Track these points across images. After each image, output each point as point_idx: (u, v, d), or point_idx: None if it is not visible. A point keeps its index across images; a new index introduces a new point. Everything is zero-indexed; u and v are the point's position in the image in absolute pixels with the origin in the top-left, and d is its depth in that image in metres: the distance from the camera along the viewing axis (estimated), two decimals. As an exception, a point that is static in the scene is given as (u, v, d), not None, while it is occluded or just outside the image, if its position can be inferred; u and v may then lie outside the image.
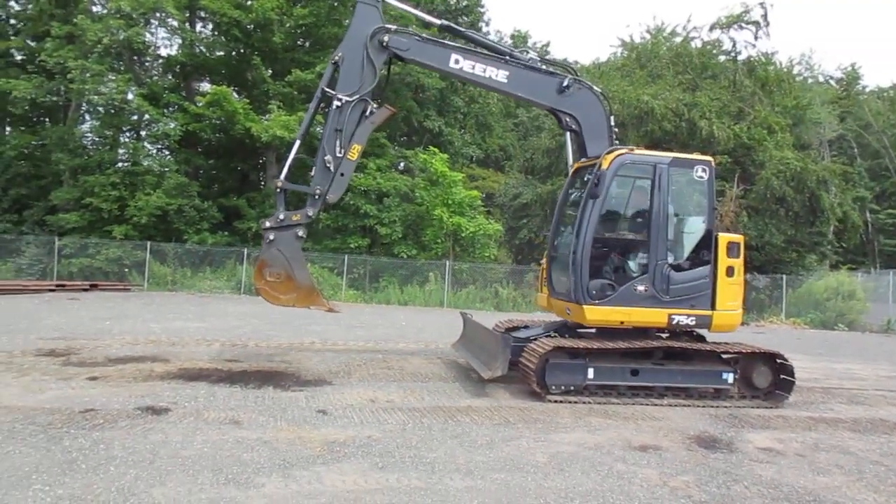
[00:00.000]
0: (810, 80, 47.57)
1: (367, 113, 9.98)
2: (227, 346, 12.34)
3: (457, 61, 10.20)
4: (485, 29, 45.26)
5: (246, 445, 6.24)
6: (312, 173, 9.91)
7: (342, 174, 9.81)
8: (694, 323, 9.50)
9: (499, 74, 10.24)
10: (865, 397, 10.75)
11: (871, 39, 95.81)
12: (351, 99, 9.78)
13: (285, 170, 10.02)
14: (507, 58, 10.39)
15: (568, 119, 10.51)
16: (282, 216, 9.69)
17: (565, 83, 10.34)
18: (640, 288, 9.33)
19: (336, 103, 9.78)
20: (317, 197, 9.74)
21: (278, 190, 9.83)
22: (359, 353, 12.34)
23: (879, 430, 8.49)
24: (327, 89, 9.89)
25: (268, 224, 9.68)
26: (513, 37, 54.15)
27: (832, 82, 56.93)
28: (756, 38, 32.54)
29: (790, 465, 6.69)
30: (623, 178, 9.77)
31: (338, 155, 9.72)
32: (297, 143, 10.12)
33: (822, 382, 11.90)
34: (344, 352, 12.34)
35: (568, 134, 11.06)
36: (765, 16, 31.91)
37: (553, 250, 10.71)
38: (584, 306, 9.22)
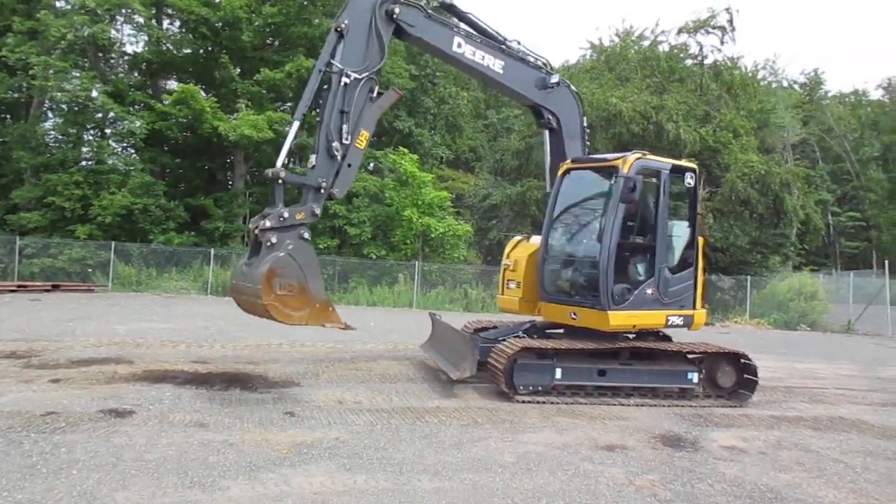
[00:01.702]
0: (774, 85, 48.40)
1: (374, 95, 8.88)
2: (193, 347, 12.20)
3: (459, 45, 9.72)
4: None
5: (212, 448, 6.17)
6: (313, 163, 8.48)
7: (349, 165, 8.60)
8: (682, 322, 9.71)
9: (495, 64, 9.94)
10: (826, 396, 10.98)
11: (834, 42, 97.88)
12: (360, 76, 8.59)
13: (283, 157, 8.44)
14: (504, 47, 10.14)
15: (550, 117, 10.48)
16: (285, 214, 8.05)
17: (555, 80, 10.30)
18: (649, 291, 9.42)
19: (344, 80, 8.50)
20: (321, 191, 8.36)
21: (279, 181, 8.14)
22: (327, 354, 12.29)
23: (839, 428, 8.68)
24: (334, 62, 8.51)
25: (268, 224, 7.91)
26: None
27: (796, 87, 58.06)
28: (722, 42, 33.14)
29: (753, 462, 6.81)
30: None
31: (344, 142, 8.46)
32: (296, 125, 8.49)
33: (784, 382, 12.12)
34: (312, 353, 12.27)
35: (547, 133, 10.96)
36: (731, 21, 32.49)
37: (547, 252, 10.19)
38: (609, 312, 9.10)
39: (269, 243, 7.90)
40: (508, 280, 10.72)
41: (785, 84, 53.75)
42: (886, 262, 30.56)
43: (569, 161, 10.40)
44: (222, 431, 6.75)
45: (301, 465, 5.88)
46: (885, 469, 6.86)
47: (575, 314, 9.57)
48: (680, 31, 34.18)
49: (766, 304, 27.30)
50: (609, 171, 9.63)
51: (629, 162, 9.30)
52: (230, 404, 7.94)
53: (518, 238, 11.31)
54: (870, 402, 10.65)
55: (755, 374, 9.66)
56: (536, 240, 10.67)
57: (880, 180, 54.71)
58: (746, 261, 30.50)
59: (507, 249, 11.10)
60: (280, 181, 8.12)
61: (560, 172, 10.38)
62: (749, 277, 28.29)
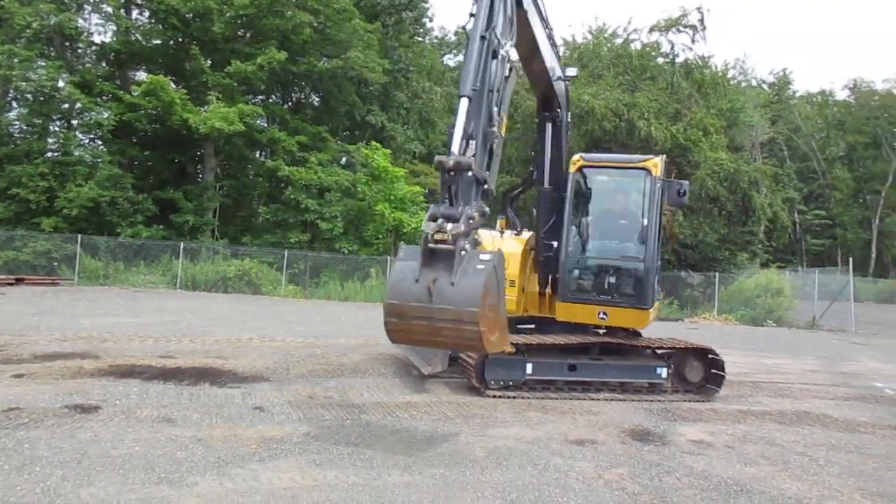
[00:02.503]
0: (744, 84, 49.09)
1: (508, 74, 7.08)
2: (161, 341, 12.04)
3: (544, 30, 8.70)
4: (429, 25, 45.27)
5: (179, 443, 6.10)
6: (474, 150, 6.26)
7: (497, 155, 6.83)
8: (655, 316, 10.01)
9: (544, 44, 8.84)
10: (791, 391, 11.16)
11: (802, 42, 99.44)
12: (508, 50, 6.91)
13: (458, 142, 6.12)
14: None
15: (559, 109, 10.14)
16: (475, 215, 5.93)
17: (572, 73, 10.07)
18: (658, 288, 9.59)
19: (502, 52, 6.76)
20: (486, 185, 6.34)
21: (468, 173, 6.00)
22: (297, 349, 12.20)
23: (804, 422, 8.83)
24: (499, 36, 6.66)
25: (462, 228, 5.70)
26: (457, 34, 54.26)
27: (765, 86, 58.90)
28: (693, 41, 33.47)
29: (720, 456, 6.90)
30: None
31: (492, 128, 6.63)
32: (465, 102, 6.29)
33: (751, 377, 12.30)
34: (282, 348, 12.18)
35: (549, 126, 10.29)
36: (702, 20, 32.81)
37: (569, 251, 9.77)
38: (649, 310, 9.34)
39: (462, 251, 5.78)
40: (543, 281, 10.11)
41: (754, 83, 54.58)
42: (850, 259, 31.23)
43: (579, 158, 10.05)
44: (190, 427, 6.67)
45: (270, 460, 5.84)
46: (847, 462, 6.99)
47: (605, 314, 9.50)
48: (652, 30, 34.48)
49: (733, 300, 27.68)
50: (635, 172, 9.75)
51: (660, 165, 9.43)
52: (198, 399, 7.85)
53: (487, 231, 10.57)
54: (833, 397, 10.85)
55: (722, 370, 9.80)
56: (524, 235, 10.55)
57: (845, 179, 55.86)
58: (715, 257, 30.91)
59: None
60: (470, 173, 6.08)
61: (573, 169, 10.01)
62: (717, 274, 28.66)
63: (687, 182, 9.38)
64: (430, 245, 5.70)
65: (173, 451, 5.87)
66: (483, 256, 5.85)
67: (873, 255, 53.59)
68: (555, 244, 9.93)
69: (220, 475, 5.39)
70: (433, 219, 5.80)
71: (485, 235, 10.41)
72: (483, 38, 6.59)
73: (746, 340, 19.60)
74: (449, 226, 5.71)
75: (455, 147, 6.11)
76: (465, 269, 5.69)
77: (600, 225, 10.01)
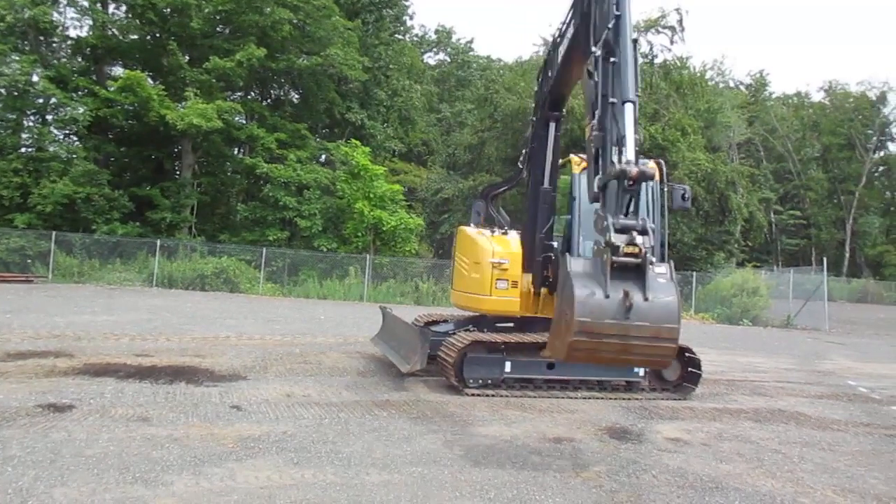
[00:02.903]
0: (721, 85, 49.57)
1: None
2: (136, 340, 11.92)
3: None
4: (409, 23, 45.21)
5: (155, 443, 6.04)
6: (629, 157, 5.93)
7: None
8: None
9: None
10: (766, 389, 11.29)
11: (778, 44, 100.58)
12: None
13: (633, 148, 6.00)
14: None
15: (564, 109, 10.15)
16: (651, 226, 5.75)
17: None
18: None
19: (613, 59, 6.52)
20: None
21: (651, 183, 5.97)
22: (275, 347, 12.14)
23: (778, 419, 8.94)
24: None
25: (651, 242, 5.61)
26: (437, 32, 54.30)
27: (742, 88, 59.51)
28: (672, 42, 33.86)
29: (696, 454, 6.96)
30: None
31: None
32: (632, 107, 6.28)
33: (727, 375, 12.43)
34: (260, 346, 12.11)
35: (553, 125, 10.06)
36: (680, 21, 33.17)
37: (580, 252, 9.39)
38: None
39: (651, 263, 5.57)
40: (498, 280, 9.79)
41: (731, 84, 55.16)
42: (825, 259, 31.64)
43: (581, 159, 9.76)
44: (166, 426, 6.61)
45: (247, 459, 5.80)
46: (821, 459, 7.09)
47: None
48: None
49: (710, 299, 27.94)
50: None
51: (657, 170, 9.38)
52: (175, 398, 7.78)
53: (475, 230, 10.59)
54: (807, 395, 11.00)
55: (699, 368, 9.89)
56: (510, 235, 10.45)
57: (820, 180, 56.62)
58: (692, 257, 31.20)
59: (468, 242, 10.36)
60: (652, 182, 5.97)
61: (577, 171, 9.80)
62: (694, 273, 28.92)
63: (689, 187, 9.46)
64: (621, 258, 5.45)
65: (149, 451, 5.81)
66: (659, 269, 5.66)
67: (847, 255, 54.41)
68: (555, 244, 9.86)
69: (196, 474, 5.35)
70: (624, 231, 5.54)
71: (473, 233, 10.40)
72: (635, 41, 6.62)
73: (722, 339, 19.80)
74: (640, 238, 5.51)
75: (632, 155, 5.91)
76: (652, 283, 5.52)
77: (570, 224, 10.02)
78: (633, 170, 5.69)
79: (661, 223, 9.66)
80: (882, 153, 60.58)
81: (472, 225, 10.60)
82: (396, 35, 40.93)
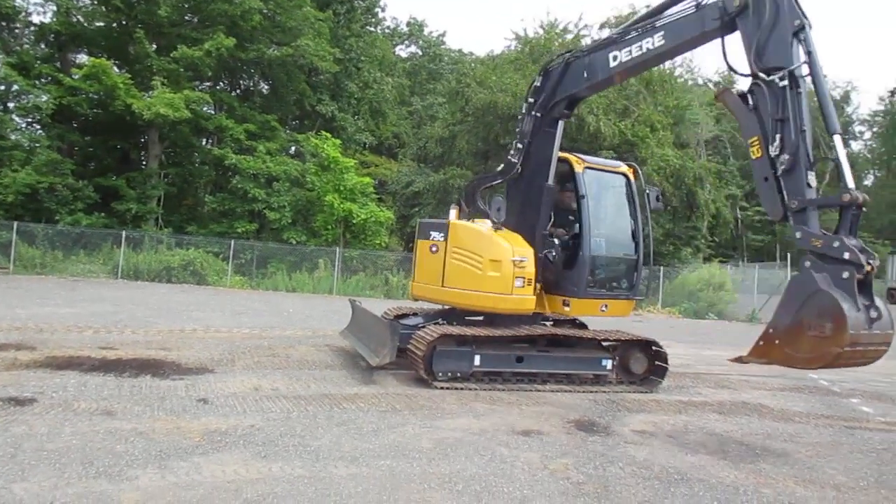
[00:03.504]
0: (690, 83, 50.03)
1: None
2: (101, 332, 11.73)
3: (615, 58, 8.97)
4: (381, 15, 44.95)
5: (119, 436, 5.96)
6: (805, 181, 6.94)
7: None
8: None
9: (654, 41, 8.63)
10: (731, 382, 11.48)
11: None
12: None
13: (850, 177, 6.81)
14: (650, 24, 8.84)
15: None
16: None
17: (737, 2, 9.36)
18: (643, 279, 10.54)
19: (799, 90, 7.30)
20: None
21: (857, 208, 6.63)
22: (243, 340, 12.03)
23: (742, 412, 9.10)
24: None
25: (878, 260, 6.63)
26: (409, 24, 54.07)
27: (710, 85, 60.09)
28: (642, 39, 33.94)
29: (662, 445, 7.06)
30: None
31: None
32: (840, 138, 6.99)
33: (692, 368, 12.61)
34: (227, 339, 11.99)
35: (560, 125, 10.23)
36: (650, 18, 33.29)
37: (590, 249, 9.84)
38: (635, 300, 10.18)
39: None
40: (517, 278, 9.52)
41: (700, 82, 55.63)
42: (789, 255, 32.20)
43: (579, 159, 10.09)
44: (131, 419, 6.52)
45: (214, 452, 5.75)
46: (782, 450, 7.23)
47: (606, 306, 9.93)
48: (602, 27, 34.93)
49: (677, 293, 28.28)
50: (619, 177, 10.41)
51: (633, 172, 10.30)
52: (140, 392, 7.68)
53: (486, 225, 10.18)
54: (770, 388, 11.20)
55: (665, 361, 10.02)
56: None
57: (785, 177, 57.39)
58: (660, 252, 31.51)
59: (480, 239, 9.86)
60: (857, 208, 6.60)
61: (579, 170, 9.99)
62: (662, 268, 29.24)
63: (660, 189, 9.92)
64: (861, 276, 6.30)
65: (113, 445, 5.73)
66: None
67: (810, 252, 55.34)
68: (556, 241, 9.96)
69: (161, 468, 5.29)
70: (863, 252, 6.39)
71: (484, 229, 10.03)
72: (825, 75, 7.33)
73: (689, 333, 20.08)
74: (865, 257, 6.33)
75: (852, 183, 6.70)
76: (875, 296, 6.43)
77: (605, 224, 10.30)
78: (859, 198, 6.57)
79: (639, 217, 10.33)
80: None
81: (493, 221, 9.90)
82: (368, 27, 40.67)
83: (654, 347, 10.06)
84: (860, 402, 10.51)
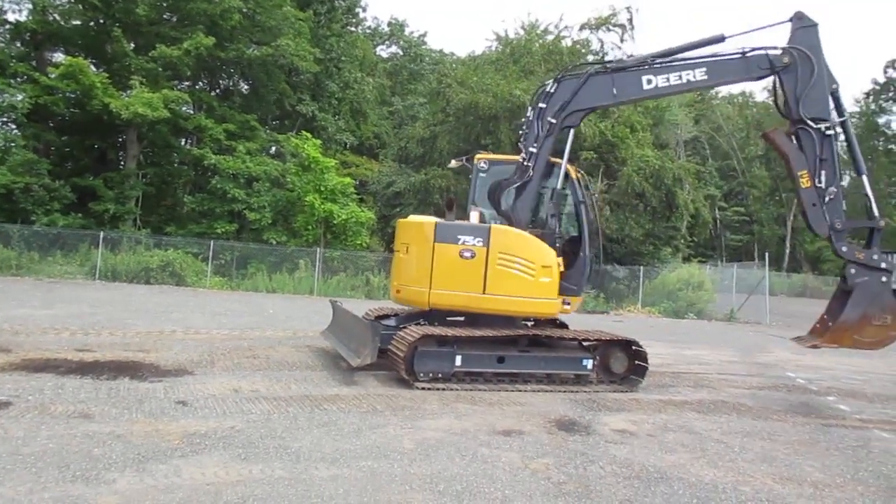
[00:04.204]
0: (669, 84, 50.30)
1: None
2: (78, 334, 11.58)
3: (649, 81, 9.86)
4: (362, 15, 44.84)
5: (97, 440, 5.89)
6: (841, 208, 9.41)
7: None
8: None
9: (696, 74, 9.85)
10: (710, 381, 11.57)
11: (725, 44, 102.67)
12: None
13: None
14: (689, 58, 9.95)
15: None
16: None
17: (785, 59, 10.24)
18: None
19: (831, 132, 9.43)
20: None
21: (880, 231, 9.45)
22: (223, 341, 11.94)
23: (721, 411, 9.18)
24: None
25: None
26: (390, 24, 54.00)
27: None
28: (622, 40, 34.31)
29: (642, 444, 7.10)
30: None
31: None
32: (866, 178, 9.69)
33: (672, 367, 12.70)
34: (207, 341, 11.90)
35: (571, 132, 10.45)
36: (630, 19, 33.63)
37: (591, 247, 10.45)
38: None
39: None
40: (542, 278, 9.69)
41: (679, 83, 56.05)
42: (767, 254, 32.57)
43: (575, 168, 10.67)
44: (108, 422, 6.45)
45: (193, 455, 5.70)
46: (761, 448, 7.30)
47: (569, 302, 10.05)
48: (582, 28, 35.11)
49: (657, 293, 28.46)
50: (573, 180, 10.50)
51: (574, 172, 10.55)
52: (118, 394, 7.60)
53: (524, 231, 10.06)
54: (749, 387, 11.31)
55: (646, 361, 10.08)
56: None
57: (763, 177, 58.21)
58: (640, 252, 31.67)
59: (527, 244, 9.76)
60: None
61: (575, 176, 10.52)
62: (642, 268, 29.42)
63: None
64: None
65: (90, 448, 5.66)
66: None
67: (787, 251, 56.10)
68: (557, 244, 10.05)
69: (139, 471, 5.23)
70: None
71: (526, 234, 9.92)
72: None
73: (668, 332, 20.21)
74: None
75: (878, 212, 9.39)
76: None
77: (574, 224, 10.66)
78: (882, 223, 9.39)
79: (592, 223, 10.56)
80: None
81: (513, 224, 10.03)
82: (349, 27, 40.57)
83: (634, 347, 10.11)
84: (836, 400, 10.65)
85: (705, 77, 9.81)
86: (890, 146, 57.09)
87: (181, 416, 6.85)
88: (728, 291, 28.79)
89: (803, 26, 9.53)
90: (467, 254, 9.57)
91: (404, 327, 9.60)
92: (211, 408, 7.28)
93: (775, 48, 9.56)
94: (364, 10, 43.85)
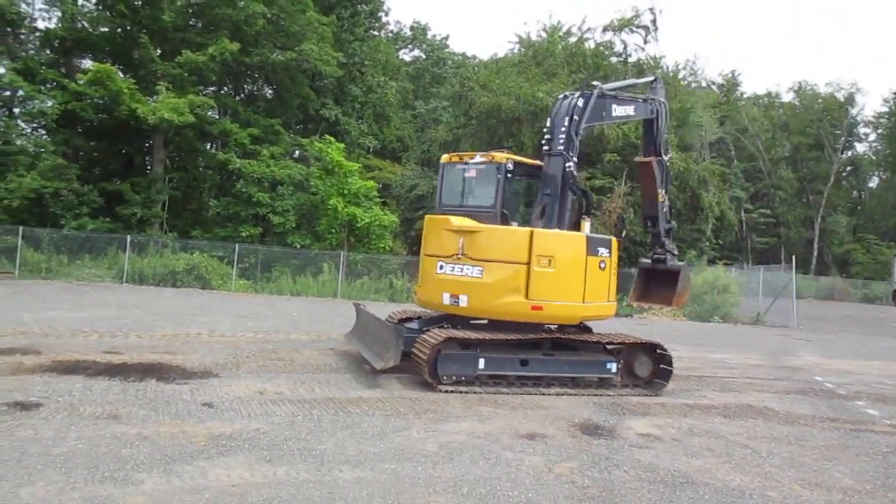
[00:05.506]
0: (694, 85, 49.98)
1: None
2: (106, 336, 11.74)
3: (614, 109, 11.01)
4: (384, 19, 45.01)
5: (125, 441, 5.97)
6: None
7: None
8: None
9: (627, 110, 11.31)
10: (735, 385, 11.45)
11: (751, 44, 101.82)
12: None
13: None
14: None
15: None
16: None
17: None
18: None
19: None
20: None
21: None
22: (247, 344, 12.04)
23: (747, 415, 9.07)
24: None
25: None
26: (412, 28, 54.15)
27: (714, 88, 60.09)
28: (645, 41, 34.05)
29: (666, 449, 7.05)
30: None
31: None
32: None
33: (697, 371, 12.58)
34: (232, 343, 12.00)
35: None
36: (654, 21, 33.41)
37: None
38: None
39: None
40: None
41: (703, 84, 55.60)
42: (794, 257, 32.13)
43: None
44: (136, 424, 6.53)
45: (219, 457, 5.75)
46: (788, 453, 7.21)
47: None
48: (605, 29, 34.92)
49: (681, 296, 28.12)
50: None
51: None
52: (145, 396, 7.70)
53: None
54: (775, 391, 11.17)
55: (670, 364, 10.01)
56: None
57: (789, 179, 57.44)
58: (665, 254, 31.38)
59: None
60: None
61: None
62: (666, 271, 29.06)
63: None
64: None
65: (118, 449, 5.74)
66: None
67: (815, 254, 55.27)
68: None
69: (166, 473, 5.30)
70: None
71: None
72: None
73: (693, 336, 20.02)
74: None
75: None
76: None
77: None
78: (675, 224, 10.98)
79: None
80: (849, 153, 61.71)
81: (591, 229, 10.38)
82: (371, 31, 40.71)
83: (658, 350, 10.05)
84: (866, 405, 10.49)
85: (633, 113, 11.50)
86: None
87: (207, 418, 6.93)
88: (754, 294, 28.41)
89: (661, 86, 12.17)
90: (602, 265, 9.93)
91: (427, 330, 9.62)
92: (236, 410, 7.35)
93: (654, 98, 11.65)
94: (387, 14, 44.05)
